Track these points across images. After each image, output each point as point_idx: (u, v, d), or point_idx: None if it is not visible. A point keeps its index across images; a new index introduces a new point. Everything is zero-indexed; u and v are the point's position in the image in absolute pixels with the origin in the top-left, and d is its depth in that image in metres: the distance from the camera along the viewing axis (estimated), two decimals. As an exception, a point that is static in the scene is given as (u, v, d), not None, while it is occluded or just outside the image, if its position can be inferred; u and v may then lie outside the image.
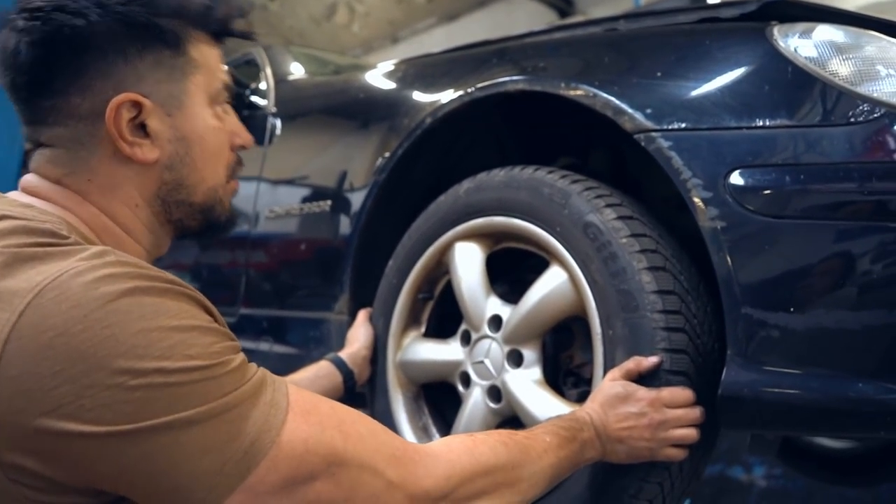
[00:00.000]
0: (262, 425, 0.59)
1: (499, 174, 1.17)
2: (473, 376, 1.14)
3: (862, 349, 0.87)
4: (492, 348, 1.12)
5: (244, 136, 0.84)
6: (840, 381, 0.87)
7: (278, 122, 1.85)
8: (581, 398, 1.07)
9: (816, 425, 0.95)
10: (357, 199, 1.43)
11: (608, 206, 1.03)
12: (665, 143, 0.97)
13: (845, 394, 0.86)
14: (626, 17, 1.21)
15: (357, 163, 1.48)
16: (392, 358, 1.27)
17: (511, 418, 1.10)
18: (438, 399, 1.28)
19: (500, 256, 1.20)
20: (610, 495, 0.96)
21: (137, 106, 0.69)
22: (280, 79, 2.01)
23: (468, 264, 1.17)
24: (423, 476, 0.67)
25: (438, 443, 0.74)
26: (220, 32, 0.78)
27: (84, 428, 0.53)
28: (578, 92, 1.08)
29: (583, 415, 0.91)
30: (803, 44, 0.96)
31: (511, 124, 1.41)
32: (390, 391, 1.26)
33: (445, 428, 1.23)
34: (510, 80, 1.18)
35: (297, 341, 1.56)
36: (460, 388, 1.16)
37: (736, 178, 0.92)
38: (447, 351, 1.20)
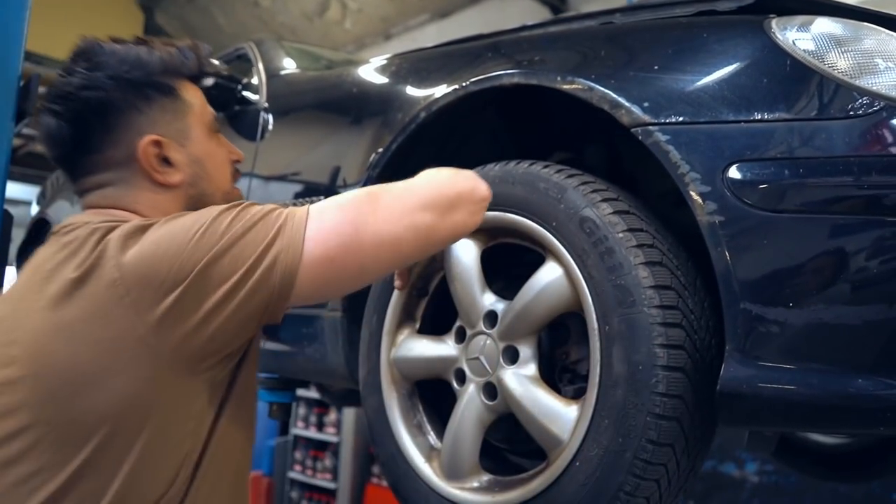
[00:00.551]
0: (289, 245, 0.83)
1: (493, 169, 1.16)
2: (468, 373, 1.13)
3: (860, 344, 0.87)
4: (487, 345, 1.10)
5: (236, 152, 1.05)
6: (839, 377, 0.86)
7: (270, 118, 1.83)
8: (577, 395, 1.06)
9: (815, 421, 0.94)
10: (350, 195, 1.41)
11: (604, 200, 1.02)
12: (663, 137, 0.96)
13: (844, 390, 0.86)
14: (623, 10, 1.20)
15: (350, 158, 1.46)
16: (386, 355, 1.26)
17: (507, 416, 1.09)
18: (433, 396, 1.26)
19: (496, 253, 1.19)
20: (606, 492, 0.95)
21: (158, 144, 0.92)
22: (272, 74, 1.99)
23: (463, 260, 1.16)
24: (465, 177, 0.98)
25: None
26: (197, 75, 0.99)
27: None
28: (575, 85, 1.07)
29: None
30: (802, 37, 0.95)
31: (506, 119, 1.39)
32: (384, 388, 1.25)
33: (440, 425, 1.22)
34: (505, 74, 1.17)
35: (289, 338, 1.54)
36: (455, 385, 1.15)
37: (734, 172, 0.91)
38: (442, 347, 1.18)
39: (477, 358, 1.11)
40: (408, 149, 1.34)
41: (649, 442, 0.92)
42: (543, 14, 5.67)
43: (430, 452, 1.20)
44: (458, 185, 0.96)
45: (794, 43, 0.95)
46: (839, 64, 0.92)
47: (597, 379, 0.97)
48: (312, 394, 4.57)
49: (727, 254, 0.90)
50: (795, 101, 0.92)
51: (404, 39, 6.82)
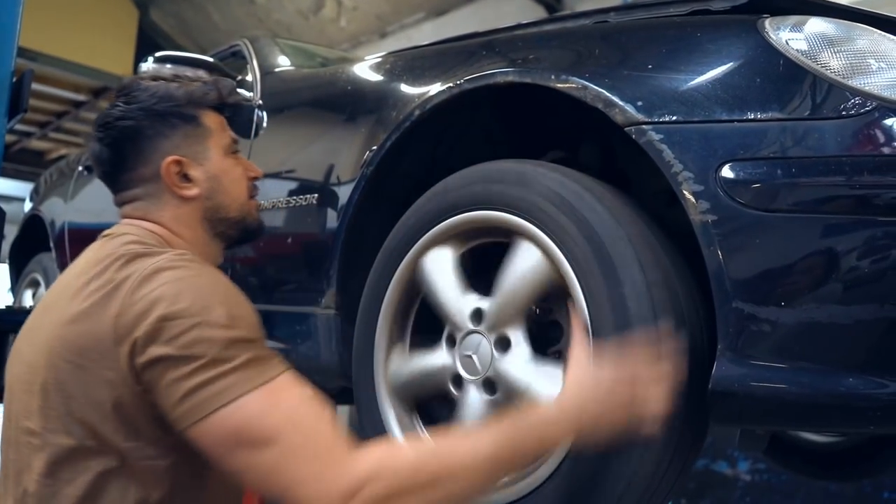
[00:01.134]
0: (226, 389, 0.83)
1: (449, 180, 1.18)
2: (464, 374, 1.11)
3: (852, 343, 0.87)
4: (478, 341, 1.09)
5: (254, 170, 1.19)
6: (830, 376, 0.87)
7: (265, 115, 1.83)
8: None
9: (806, 420, 0.95)
10: (344, 193, 1.42)
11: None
12: (656, 136, 0.97)
13: (835, 389, 0.86)
14: (617, 9, 1.20)
15: (344, 156, 1.46)
16: (383, 377, 1.24)
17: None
18: (432, 413, 1.24)
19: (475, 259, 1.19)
20: (598, 490, 0.95)
21: (179, 164, 1.06)
22: (266, 71, 1.98)
23: (439, 269, 1.16)
24: (338, 475, 0.80)
25: (374, 447, 0.85)
26: (219, 106, 1.14)
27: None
28: (569, 84, 1.07)
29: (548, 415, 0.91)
30: (795, 37, 0.96)
31: (500, 117, 1.39)
32: (383, 408, 1.23)
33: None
34: (500, 72, 1.17)
35: (283, 336, 1.54)
36: (453, 391, 1.14)
37: (727, 172, 0.91)
38: (435, 358, 1.17)
39: (471, 356, 1.10)
40: (402, 147, 1.34)
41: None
42: (539, 13, 5.68)
43: None
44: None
45: (787, 43, 0.95)
46: (832, 64, 0.92)
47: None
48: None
49: (719, 253, 0.90)
50: (788, 100, 0.93)
51: (400, 37, 6.82)
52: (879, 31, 0.96)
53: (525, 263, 1.06)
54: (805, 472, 2.14)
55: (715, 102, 0.95)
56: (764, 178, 0.90)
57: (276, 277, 1.64)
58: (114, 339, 0.87)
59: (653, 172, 0.98)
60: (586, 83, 1.05)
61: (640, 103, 1.00)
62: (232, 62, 2.21)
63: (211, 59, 1.98)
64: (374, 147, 1.36)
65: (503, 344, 1.08)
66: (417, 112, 1.29)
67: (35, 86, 3.55)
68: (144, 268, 0.91)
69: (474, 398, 1.10)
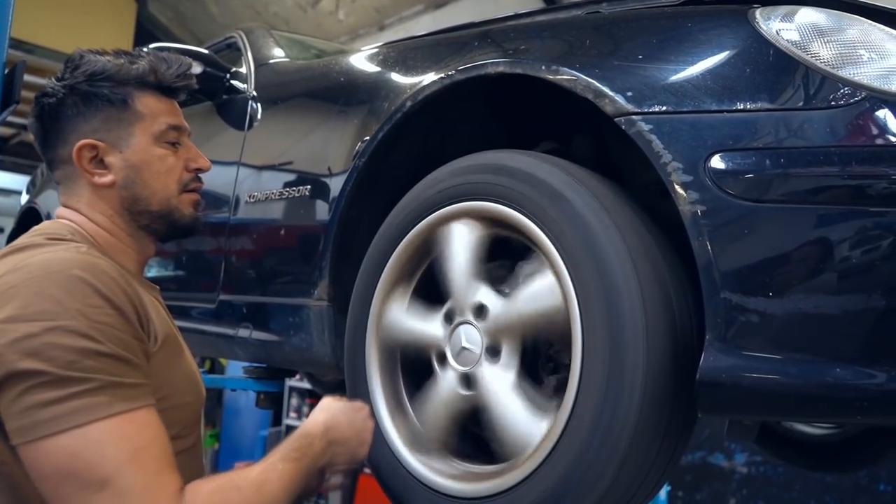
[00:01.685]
0: (73, 412, 0.76)
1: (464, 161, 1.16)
2: (450, 358, 1.11)
3: (841, 334, 0.87)
4: (472, 336, 1.09)
5: (200, 162, 1.09)
6: (818, 367, 0.86)
7: (259, 107, 1.82)
8: (560, 384, 1.06)
9: (795, 411, 0.95)
10: (337, 184, 1.41)
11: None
12: (645, 127, 0.96)
13: (824, 379, 0.86)
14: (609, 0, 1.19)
15: (337, 147, 1.46)
16: (375, 318, 1.23)
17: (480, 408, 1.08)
18: (414, 369, 1.22)
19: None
20: (583, 486, 0.94)
21: (94, 148, 0.99)
22: (261, 63, 1.97)
23: (459, 241, 1.13)
24: None
25: (191, 486, 0.84)
26: (163, 89, 1.05)
27: None
28: (560, 75, 1.07)
29: (312, 428, 1.03)
30: (785, 27, 0.95)
31: (493, 108, 1.39)
32: (367, 350, 1.23)
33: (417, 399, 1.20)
34: (491, 63, 1.16)
35: (276, 327, 1.54)
36: (436, 364, 1.13)
37: (716, 162, 0.91)
38: (430, 325, 1.15)
39: (460, 346, 1.09)
40: (394, 138, 1.33)
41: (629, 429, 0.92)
42: (537, 4, 5.66)
43: (399, 416, 1.19)
44: None
45: (777, 33, 0.95)
46: (822, 54, 0.92)
47: (576, 381, 0.96)
48: (305, 385, 4.57)
49: (709, 244, 0.90)
50: (779, 91, 0.92)
51: (398, 30, 6.79)
52: (870, 21, 0.95)
53: (539, 287, 1.03)
54: (800, 464, 2.15)
55: (705, 93, 0.95)
56: (753, 168, 0.90)
57: (269, 269, 1.64)
58: None
59: (644, 163, 0.98)
60: (577, 74, 1.05)
61: (629, 94, 0.99)
62: (227, 54, 2.21)
63: (206, 51, 1.98)
64: (367, 138, 1.35)
65: (494, 353, 1.07)
66: (409, 103, 1.28)
67: (33, 78, 3.54)
68: (15, 263, 0.85)
69: (450, 384, 1.10)
